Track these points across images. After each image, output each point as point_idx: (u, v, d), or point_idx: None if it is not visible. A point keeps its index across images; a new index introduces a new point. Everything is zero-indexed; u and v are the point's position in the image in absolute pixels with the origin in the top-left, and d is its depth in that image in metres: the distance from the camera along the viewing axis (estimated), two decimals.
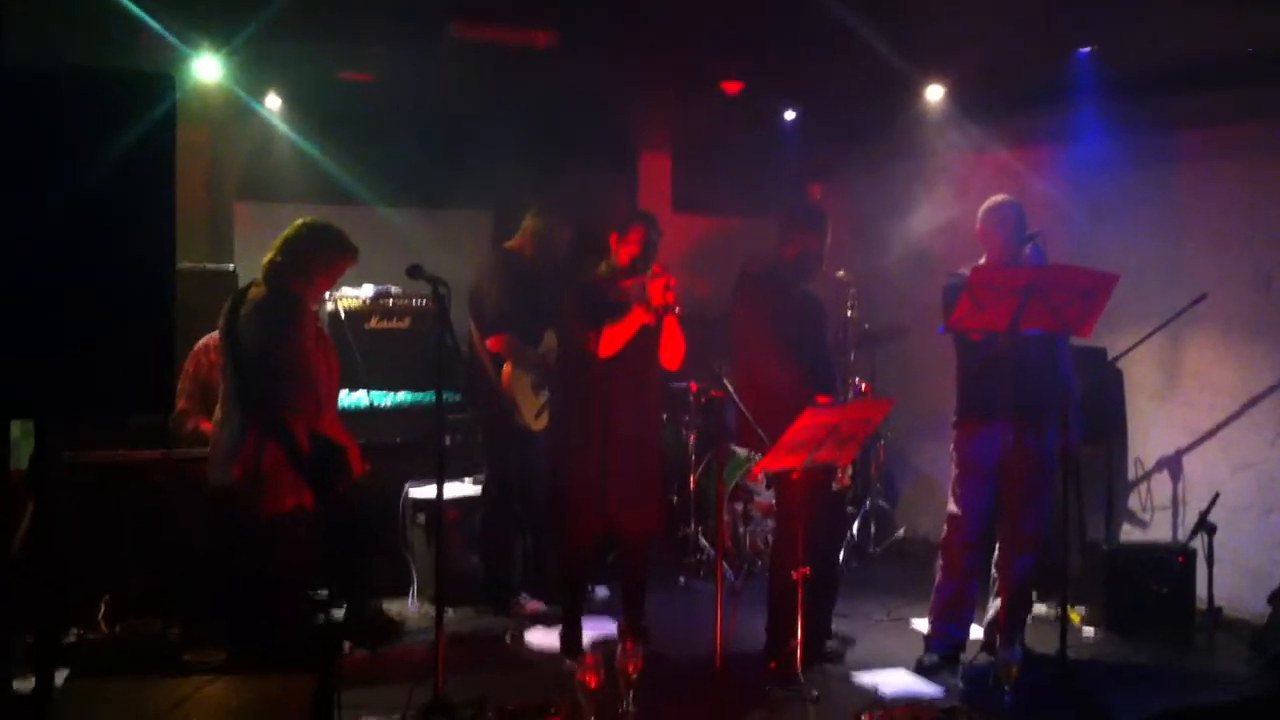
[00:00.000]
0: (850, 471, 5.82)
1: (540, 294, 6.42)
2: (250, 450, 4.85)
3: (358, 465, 5.12)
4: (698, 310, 5.60)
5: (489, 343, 6.49)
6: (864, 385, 7.78)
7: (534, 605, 6.56)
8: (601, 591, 6.65)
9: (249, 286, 5.08)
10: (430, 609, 6.09)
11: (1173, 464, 7.06)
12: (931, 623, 5.84)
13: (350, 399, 6.77)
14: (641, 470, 5.61)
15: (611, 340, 5.44)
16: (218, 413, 5.08)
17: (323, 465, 4.95)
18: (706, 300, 5.63)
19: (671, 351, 5.56)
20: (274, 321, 4.89)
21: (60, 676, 5.06)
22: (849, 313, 7.77)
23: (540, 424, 6.52)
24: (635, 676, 4.29)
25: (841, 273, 7.40)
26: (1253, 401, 6.73)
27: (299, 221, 5.13)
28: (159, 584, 5.68)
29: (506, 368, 6.48)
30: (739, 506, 7.36)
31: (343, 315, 6.96)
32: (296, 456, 4.87)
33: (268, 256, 5.03)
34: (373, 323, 7.08)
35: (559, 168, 7.69)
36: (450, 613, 6.15)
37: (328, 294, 6.97)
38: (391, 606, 6.44)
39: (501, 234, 8.86)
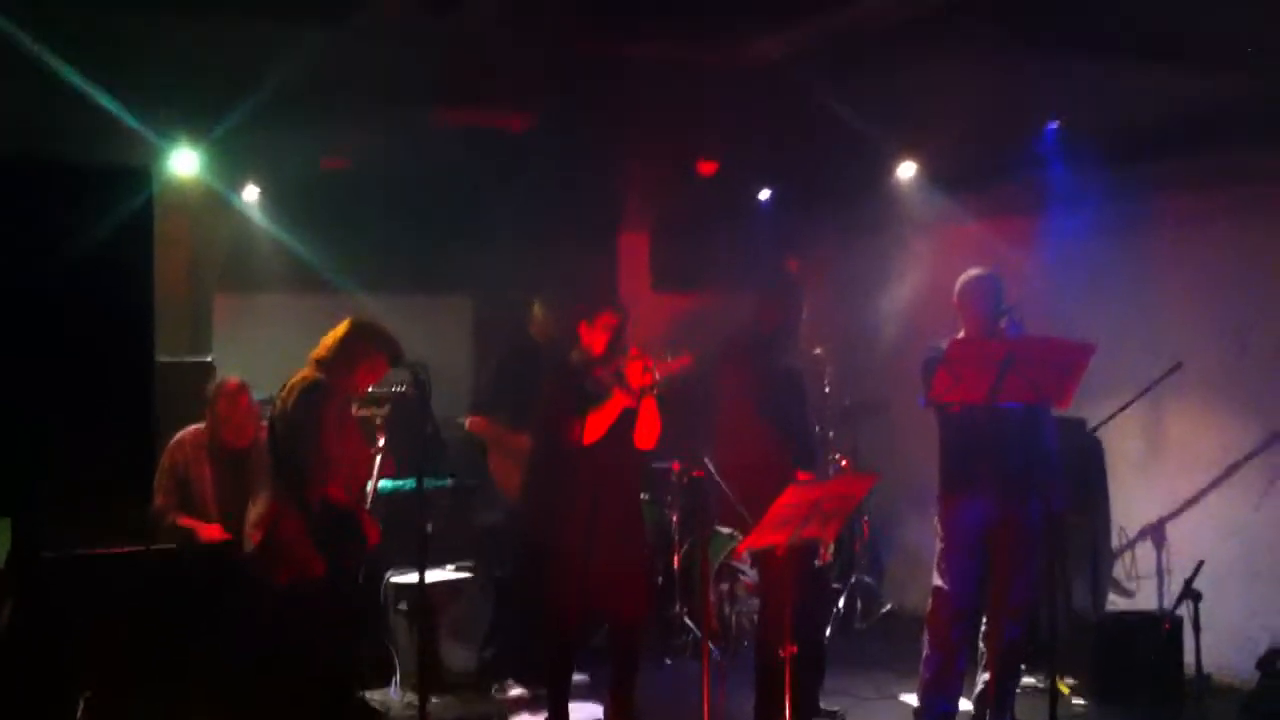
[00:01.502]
0: (832, 547, 5.80)
1: None
2: (269, 520, 5.23)
3: (371, 534, 5.47)
4: (677, 388, 5.60)
5: (468, 423, 6.50)
6: (844, 461, 7.78)
7: (516, 691, 6.48)
8: (580, 677, 6.58)
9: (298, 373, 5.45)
10: (413, 698, 6.03)
11: (1156, 532, 7.06)
12: (921, 697, 5.79)
13: None
14: (627, 554, 5.58)
15: (595, 427, 5.43)
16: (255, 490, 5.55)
17: (335, 532, 5.25)
18: (686, 375, 5.65)
19: (647, 432, 5.54)
20: (302, 405, 5.20)
21: None
22: (825, 389, 7.79)
23: None
24: None
25: (818, 350, 7.43)
26: (1234, 467, 6.75)
27: (349, 320, 5.49)
28: (140, 681, 5.59)
29: (490, 452, 6.49)
30: (724, 586, 7.32)
31: None
32: (312, 528, 5.16)
33: (317, 352, 5.42)
34: (353, 410, 7.06)
35: (538, 251, 7.75)
36: (434, 700, 6.07)
37: None
38: (374, 697, 6.36)
39: (482, 318, 8.93)
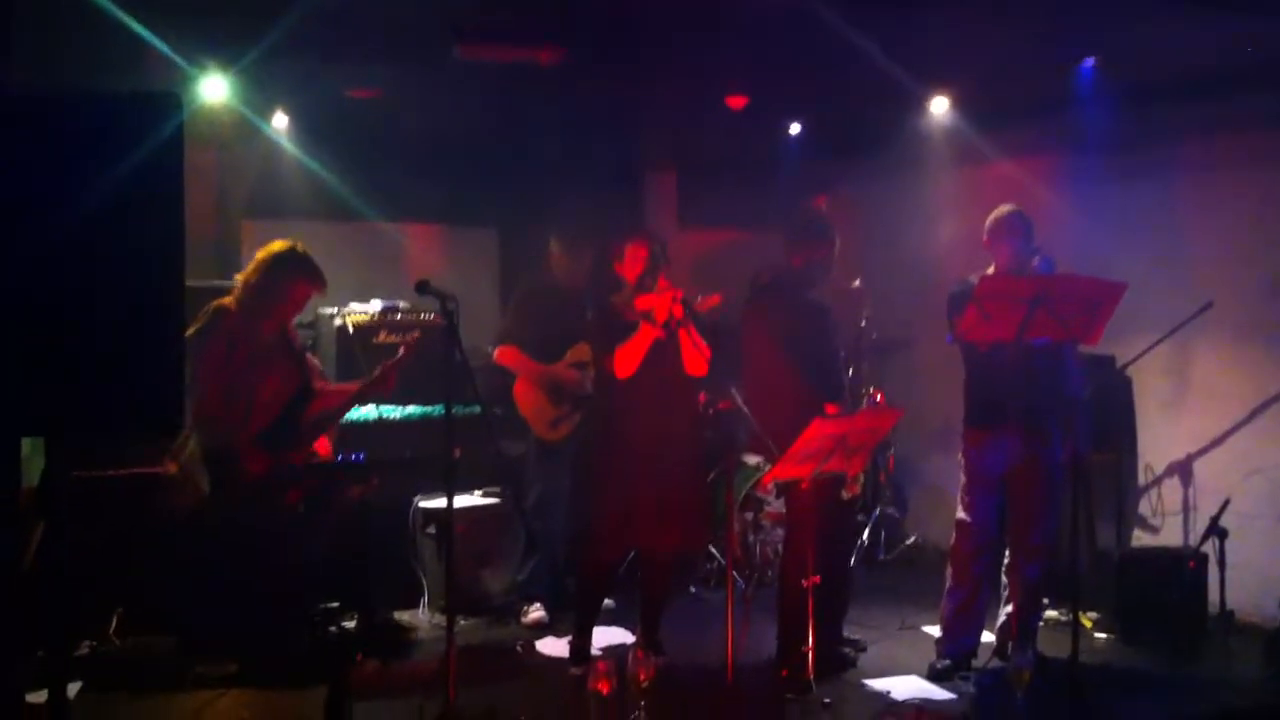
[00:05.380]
0: (860, 480, 5.83)
1: (566, 315, 6.42)
2: (180, 448, 5.43)
3: (252, 465, 5.38)
4: (707, 322, 5.62)
5: (495, 354, 6.55)
6: (879, 395, 7.80)
7: (537, 615, 6.57)
8: (608, 603, 6.66)
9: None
10: (441, 620, 6.13)
11: (1183, 470, 7.05)
12: (943, 629, 5.84)
13: (359, 412, 6.81)
14: (671, 487, 5.56)
15: (625, 360, 5.46)
16: None
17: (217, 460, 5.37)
18: (716, 312, 5.66)
19: (693, 361, 5.54)
20: (194, 333, 5.20)
21: (73, 690, 5.10)
22: (863, 322, 7.78)
23: (556, 434, 6.55)
24: (646, 685, 4.31)
25: (857, 282, 7.41)
26: (1262, 407, 6.72)
27: (268, 248, 5.54)
28: (170, 597, 5.71)
29: (517, 382, 6.54)
30: (749, 516, 7.37)
31: (350, 330, 6.99)
32: (207, 457, 5.35)
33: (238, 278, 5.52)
34: (381, 337, 7.11)
35: (565, 186, 7.73)
36: (461, 623, 6.16)
37: (335, 309, 7.03)
38: (403, 617, 6.47)
39: (507, 252, 8.93)
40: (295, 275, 5.53)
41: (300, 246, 5.63)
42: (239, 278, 5.54)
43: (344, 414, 5.93)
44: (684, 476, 5.68)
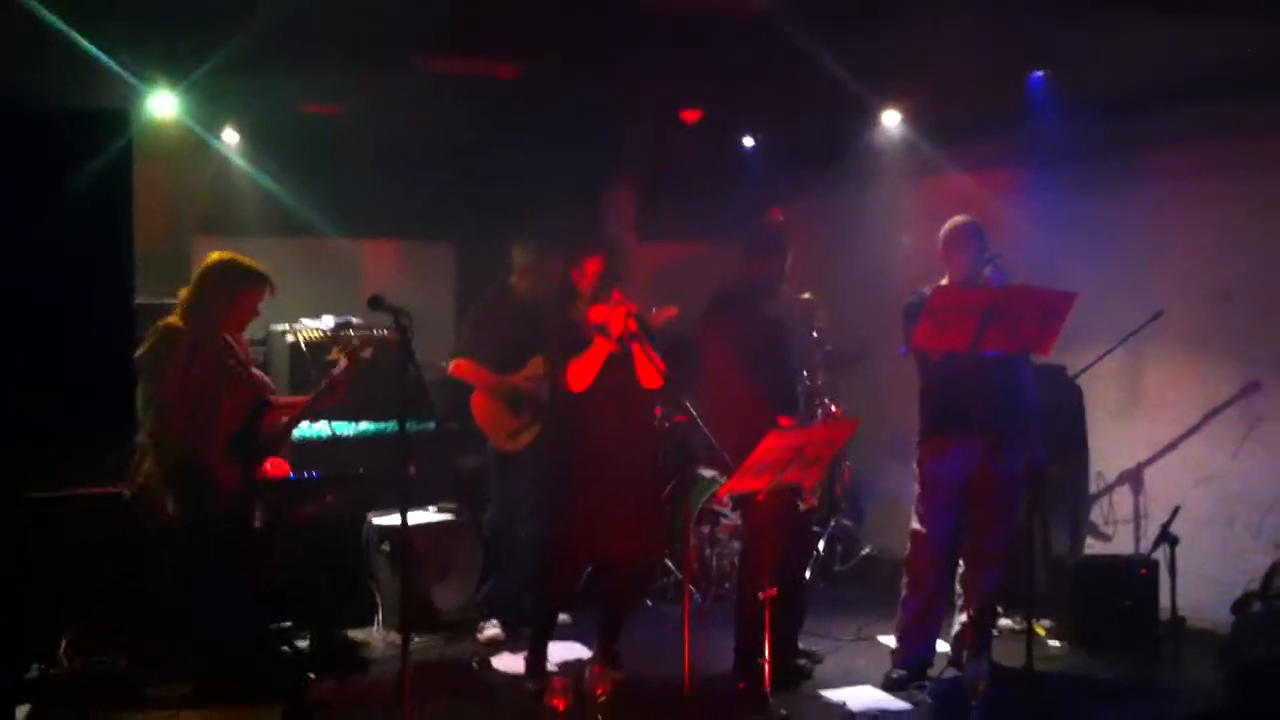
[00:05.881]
0: (817, 492, 5.85)
1: (525, 328, 6.38)
2: (136, 465, 5.34)
3: (224, 478, 5.32)
4: (663, 335, 5.62)
5: (451, 367, 6.52)
6: (834, 407, 7.82)
7: (493, 631, 6.53)
8: (564, 618, 6.65)
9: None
10: (396, 637, 6.08)
11: (1134, 478, 7.12)
12: (899, 639, 5.86)
13: (312, 429, 6.76)
14: (630, 498, 5.59)
15: (579, 373, 5.46)
16: None
17: (187, 477, 5.28)
18: (673, 325, 5.67)
19: (648, 375, 5.54)
20: (148, 352, 5.16)
21: (22, 713, 5.03)
22: (815, 334, 7.81)
23: (515, 444, 6.52)
24: (604, 699, 4.30)
25: (808, 294, 7.44)
26: (1212, 414, 6.80)
27: (206, 260, 5.46)
28: (121, 619, 5.64)
29: (474, 394, 6.52)
30: (705, 529, 7.37)
31: (303, 346, 6.94)
32: (168, 475, 5.25)
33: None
34: (334, 354, 7.06)
35: (523, 201, 7.72)
36: (416, 640, 6.13)
37: (286, 325, 6.98)
38: (357, 635, 6.42)
39: (464, 265, 8.91)
40: (241, 282, 5.47)
41: (240, 257, 5.56)
42: (183, 294, 5.46)
43: (295, 426, 5.86)
44: (641, 487, 5.70)
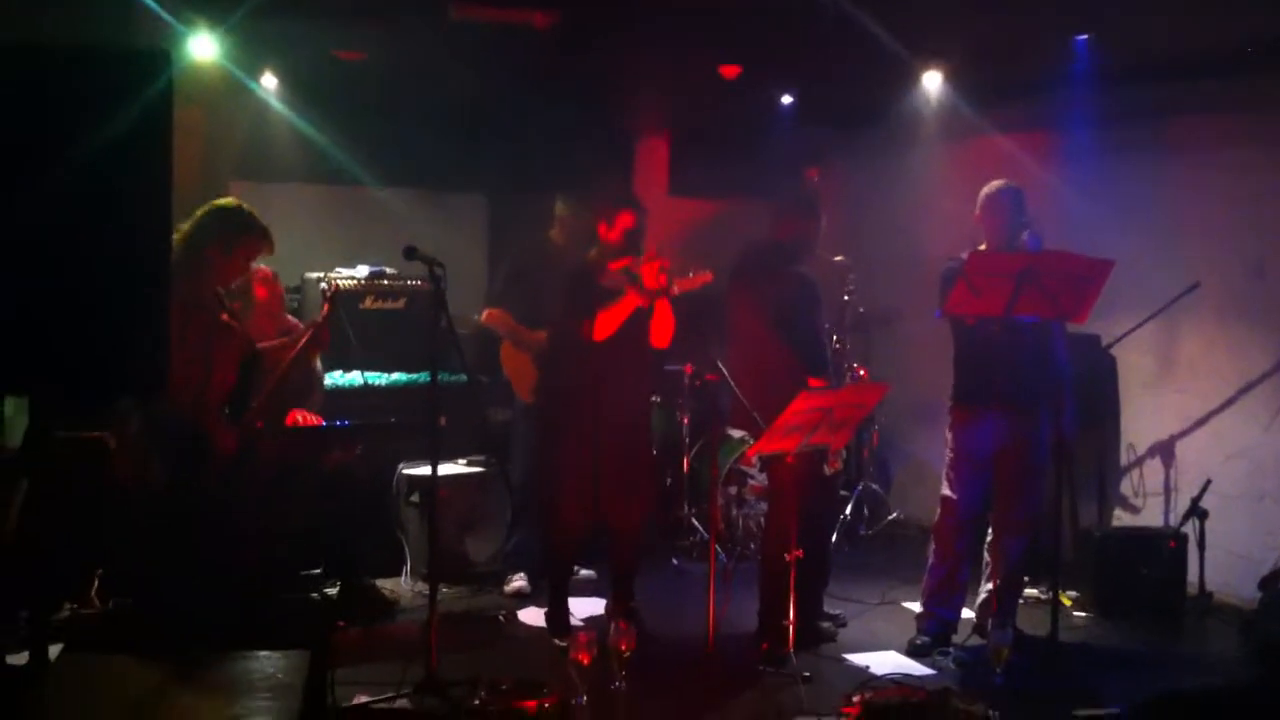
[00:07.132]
0: (843, 455, 5.84)
1: (558, 283, 6.36)
2: (121, 423, 5.12)
3: (222, 443, 5.09)
4: (694, 293, 5.60)
5: (484, 316, 6.54)
6: (861, 371, 7.80)
7: (519, 584, 6.57)
8: (586, 573, 6.67)
9: None
10: (423, 587, 6.13)
11: (1165, 450, 7.07)
12: (924, 605, 5.86)
13: (344, 378, 6.79)
14: (631, 458, 5.67)
15: (605, 324, 5.47)
16: None
17: (178, 440, 5.03)
18: (707, 289, 5.65)
19: (662, 331, 5.58)
20: None
21: (54, 651, 5.08)
22: (845, 297, 7.78)
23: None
24: (627, 655, 4.31)
25: (840, 257, 7.40)
26: (1246, 388, 6.74)
27: (196, 212, 5.06)
28: (150, 560, 5.68)
29: (504, 345, 6.53)
30: (732, 489, 7.37)
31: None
32: (170, 436, 4.99)
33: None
34: (367, 303, 7.08)
35: (555, 153, 7.68)
36: (443, 591, 6.16)
37: (321, 273, 6.99)
38: (385, 585, 6.46)
39: (496, 217, 8.90)
40: (241, 234, 5.07)
41: (246, 205, 5.23)
42: (177, 234, 4.87)
43: (293, 373, 5.57)
44: (644, 446, 5.81)
